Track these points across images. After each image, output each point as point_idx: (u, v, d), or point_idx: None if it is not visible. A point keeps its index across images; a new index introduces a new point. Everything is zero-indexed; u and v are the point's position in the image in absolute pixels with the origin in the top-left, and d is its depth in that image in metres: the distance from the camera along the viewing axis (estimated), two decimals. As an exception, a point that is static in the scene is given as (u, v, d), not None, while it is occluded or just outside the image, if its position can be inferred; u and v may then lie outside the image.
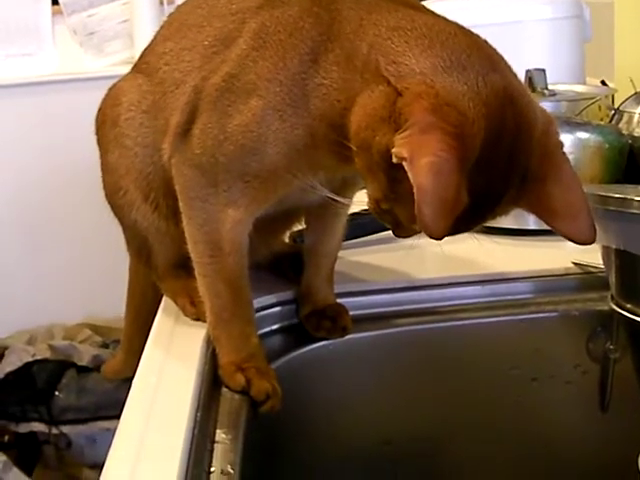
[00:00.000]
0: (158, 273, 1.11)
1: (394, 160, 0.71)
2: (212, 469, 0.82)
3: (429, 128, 0.70)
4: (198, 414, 0.86)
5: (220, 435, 0.87)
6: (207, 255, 0.94)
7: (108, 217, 1.12)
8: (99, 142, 1.09)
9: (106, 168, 1.08)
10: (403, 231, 0.81)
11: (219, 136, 0.89)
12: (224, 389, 0.94)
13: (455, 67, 0.74)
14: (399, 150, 0.70)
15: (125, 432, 0.84)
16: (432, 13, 0.84)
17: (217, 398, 0.93)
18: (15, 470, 2.29)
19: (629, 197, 0.94)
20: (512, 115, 0.74)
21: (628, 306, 0.97)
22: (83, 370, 2.38)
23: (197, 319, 1.03)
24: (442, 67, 0.74)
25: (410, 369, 1.11)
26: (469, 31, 0.81)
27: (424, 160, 0.67)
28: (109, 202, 1.09)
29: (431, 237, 0.69)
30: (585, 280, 1.13)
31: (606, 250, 1.01)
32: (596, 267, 1.11)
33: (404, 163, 0.69)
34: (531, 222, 1.27)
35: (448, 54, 0.75)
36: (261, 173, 0.89)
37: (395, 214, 0.79)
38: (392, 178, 0.75)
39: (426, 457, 1.13)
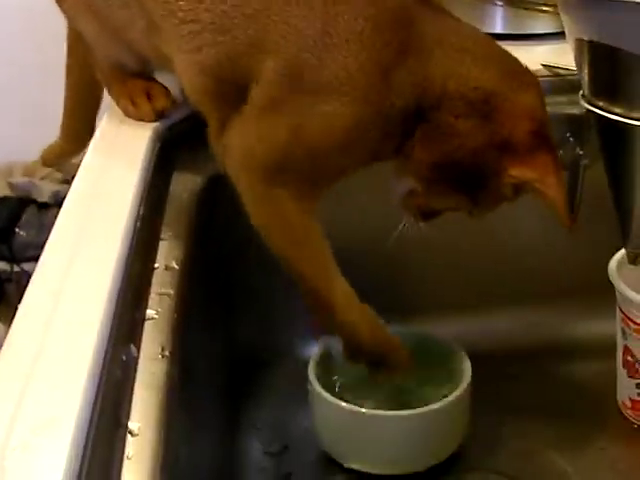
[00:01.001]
0: (102, 74, 1.04)
1: (509, 180, 0.78)
2: (156, 265, 0.78)
3: (540, 147, 0.78)
4: (141, 209, 0.81)
5: (166, 233, 0.83)
6: None
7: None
8: None
9: None
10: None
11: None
12: (172, 188, 0.90)
13: (518, 81, 0.81)
14: (522, 172, 0.78)
15: (64, 223, 0.80)
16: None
17: (165, 196, 0.89)
18: (-23, 308, 2.28)
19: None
20: None
21: (600, 104, 0.92)
22: (43, 207, 2.34)
23: (140, 120, 0.97)
24: (516, 85, 0.80)
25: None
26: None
27: (552, 179, 0.78)
28: None
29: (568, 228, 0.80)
30: (554, 83, 1.07)
31: (579, 44, 0.95)
32: (566, 69, 1.06)
33: (533, 182, 0.78)
34: (498, 26, 1.21)
35: (509, 69, 0.82)
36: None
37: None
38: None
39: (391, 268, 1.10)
